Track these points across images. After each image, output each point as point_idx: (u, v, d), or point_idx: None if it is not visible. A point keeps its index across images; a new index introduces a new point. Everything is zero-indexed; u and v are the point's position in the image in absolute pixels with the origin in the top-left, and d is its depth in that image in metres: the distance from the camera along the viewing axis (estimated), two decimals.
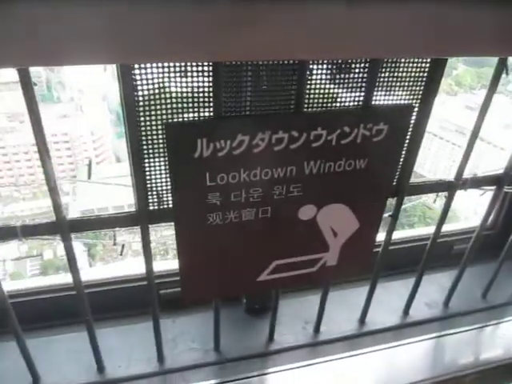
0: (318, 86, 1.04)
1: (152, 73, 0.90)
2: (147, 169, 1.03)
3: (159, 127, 0.97)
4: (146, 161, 1.02)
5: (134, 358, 1.36)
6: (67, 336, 1.41)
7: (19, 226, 1.02)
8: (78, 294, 1.17)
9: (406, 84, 1.11)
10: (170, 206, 1.08)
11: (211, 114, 0.96)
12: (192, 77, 0.94)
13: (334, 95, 1.06)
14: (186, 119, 0.98)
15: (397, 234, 1.46)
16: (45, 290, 1.42)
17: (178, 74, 0.93)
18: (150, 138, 0.99)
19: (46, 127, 0.90)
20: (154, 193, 1.07)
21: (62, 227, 1.02)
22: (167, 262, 1.54)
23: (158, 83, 0.93)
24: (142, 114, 0.95)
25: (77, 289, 1.16)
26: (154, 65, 0.90)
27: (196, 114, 0.98)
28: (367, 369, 1.40)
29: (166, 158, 0.94)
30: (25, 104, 0.84)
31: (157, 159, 1.02)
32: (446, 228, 1.60)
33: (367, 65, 1.03)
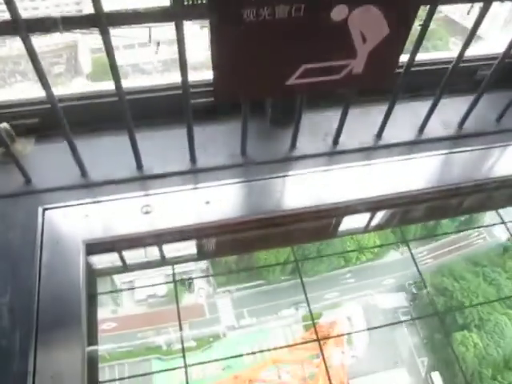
0: None
1: None
2: None
3: None
4: None
5: (169, 159, 1.50)
6: (110, 139, 1.55)
7: (60, 17, 1.05)
8: (119, 100, 1.25)
9: None
10: (204, 1, 1.09)
11: None
12: None
13: None
14: None
15: (421, 56, 1.46)
16: (89, 95, 1.51)
17: None
18: None
19: None
20: None
21: (101, 20, 1.05)
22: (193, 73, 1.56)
23: None
24: None
25: (119, 95, 1.23)
26: None
27: None
28: (381, 176, 1.54)
29: None
30: None
31: None
32: (471, 52, 1.59)
33: None
